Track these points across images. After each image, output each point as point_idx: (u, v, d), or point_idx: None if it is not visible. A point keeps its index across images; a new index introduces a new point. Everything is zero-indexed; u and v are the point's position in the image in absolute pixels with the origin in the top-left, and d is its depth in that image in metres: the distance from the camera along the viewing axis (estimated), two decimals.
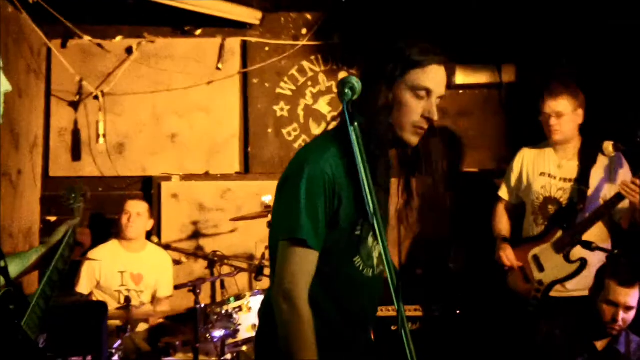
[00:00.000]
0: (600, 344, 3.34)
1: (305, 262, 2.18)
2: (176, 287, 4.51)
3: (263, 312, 2.44)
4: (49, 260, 2.87)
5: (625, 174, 3.88)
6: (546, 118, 3.97)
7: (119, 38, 5.32)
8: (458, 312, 4.77)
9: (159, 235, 5.13)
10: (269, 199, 4.42)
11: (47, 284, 2.80)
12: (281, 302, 2.15)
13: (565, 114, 3.93)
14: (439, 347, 4.74)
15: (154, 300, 4.80)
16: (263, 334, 2.41)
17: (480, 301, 4.80)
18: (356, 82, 2.12)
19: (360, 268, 2.33)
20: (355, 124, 2.10)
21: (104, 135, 5.28)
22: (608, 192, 3.88)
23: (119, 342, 4.21)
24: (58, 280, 2.85)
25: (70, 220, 3.06)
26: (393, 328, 4.51)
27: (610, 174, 3.94)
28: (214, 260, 4.76)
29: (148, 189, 5.28)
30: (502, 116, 5.33)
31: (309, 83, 5.34)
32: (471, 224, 5.01)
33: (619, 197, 3.67)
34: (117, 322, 4.31)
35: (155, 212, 5.15)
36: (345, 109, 2.11)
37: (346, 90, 2.11)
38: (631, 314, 3.30)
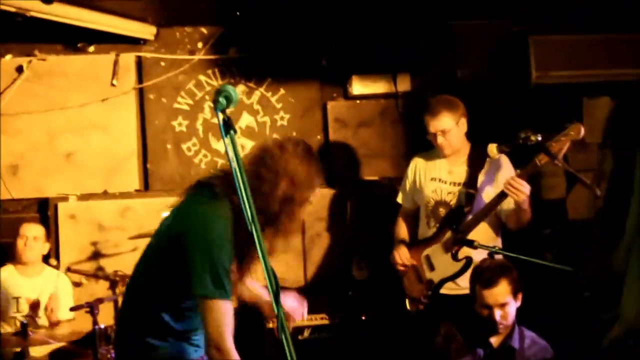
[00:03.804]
0: (495, 341, 3.40)
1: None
2: (72, 309, 4.39)
3: None
4: None
5: (505, 174, 3.96)
6: (433, 137, 4.09)
7: (8, 57, 5.17)
8: (363, 318, 4.83)
9: (57, 258, 4.98)
10: None
11: None
12: (215, 353, 2.48)
13: (449, 129, 4.04)
14: (346, 355, 4.79)
15: (53, 325, 4.65)
16: None
17: (384, 307, 4.86)
18: (232, 91, 2.13)
19: None
20: (231, 132, 2.11)
21: None
22: (492, 193, 3.96)
23: None
24: None
25: None
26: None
27: (494, 176, 4.04)
28: (115, 280, 4.70)
29: (44, 210, 5.13)
30: (400, 125, 5.44)
31: (207, 97, 5.29)
32: (372, 231, 5.09)
33: (500, 195, 3.77)
34: (15, 349, 4.18)
35: (53, 234, 5.01)
36: (218, 117, 2.12)
37: (220, 99, 2.12)
38: (509, 308, 3.35)
